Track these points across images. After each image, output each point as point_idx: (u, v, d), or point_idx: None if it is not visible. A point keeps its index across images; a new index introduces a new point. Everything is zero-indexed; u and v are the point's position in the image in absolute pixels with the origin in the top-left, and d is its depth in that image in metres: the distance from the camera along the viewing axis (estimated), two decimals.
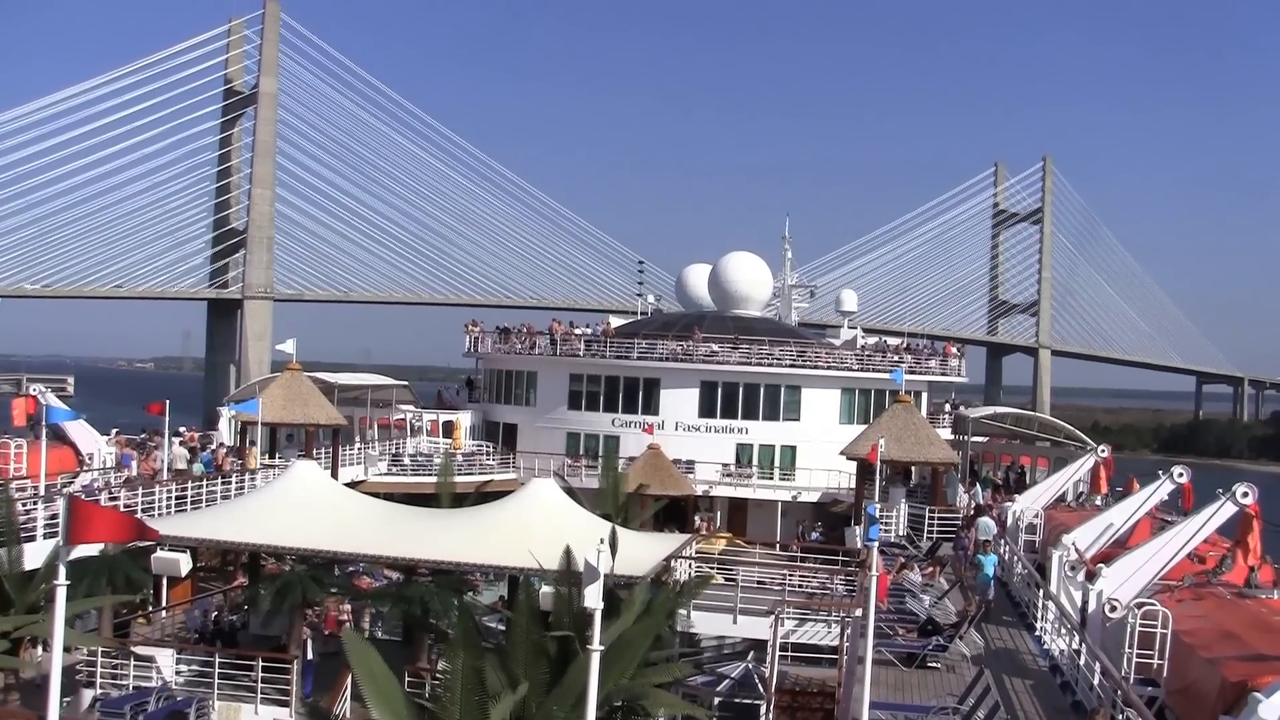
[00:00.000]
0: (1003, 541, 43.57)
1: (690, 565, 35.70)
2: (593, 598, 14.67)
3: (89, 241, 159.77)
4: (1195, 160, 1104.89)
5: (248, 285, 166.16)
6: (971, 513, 49.99)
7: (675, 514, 52.82)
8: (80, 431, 49.20)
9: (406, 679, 27.05)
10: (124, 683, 30.09)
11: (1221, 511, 30.73)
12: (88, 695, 29.78)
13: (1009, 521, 46.65)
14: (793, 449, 67.44)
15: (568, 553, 24.16)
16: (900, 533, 51.62)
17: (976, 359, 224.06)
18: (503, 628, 27.95)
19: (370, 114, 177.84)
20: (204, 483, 44.22)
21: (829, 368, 69.14)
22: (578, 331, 72.45)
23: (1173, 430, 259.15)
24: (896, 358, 70.69)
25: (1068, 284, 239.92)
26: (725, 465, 66.61)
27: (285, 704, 29.62)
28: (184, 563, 33.45)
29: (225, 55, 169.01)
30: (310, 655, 32.35)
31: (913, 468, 59.08)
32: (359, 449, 62.93)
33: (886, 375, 65.02)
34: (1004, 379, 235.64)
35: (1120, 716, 21.89)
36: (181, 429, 56.56)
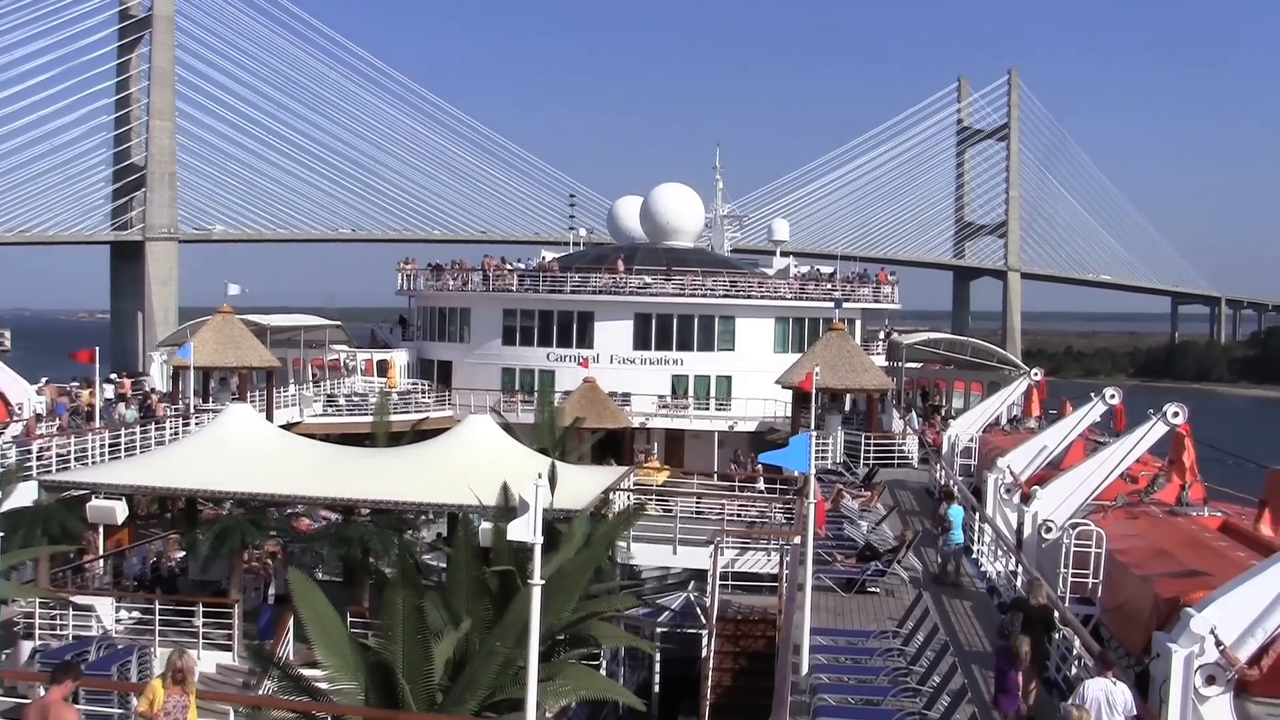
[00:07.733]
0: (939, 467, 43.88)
1: (629, 497, 35.82)
2: (531, 532, 14.62)
3: None
4: (1167, 79, 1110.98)
5: (149, 226, 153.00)
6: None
7: (612, 447, 52.85)
8: (9, 381, 48.63)
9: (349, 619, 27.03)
10: (64, 633, 29.90)
11: (1153, 432, 31.10)
12: (27, 647, 29.54)
13: (944, 446, 47.09)
14: (728, 379, 67.61)
15: (505, 488, 24.14)
16: (837, 460, 51.97)
17: (943, 283, 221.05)
18: (443, 565, 27.94)
19: (283, 38, 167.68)
20: (137, 429, 43.90)
21: (762, 297, 69.28)
22: (509, 267, 72.15)
23: (1149, 354, 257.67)
24: (830, 285, 70.97)
25: (1037, 204, 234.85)
26: (661, 397, 66.70)
27: (228, 648, 29.60)
28: (120, 510, 33.15)
29: None
30: (268, 600, 32.34)
31: (848, 395, 59.48)
32: (294, 391, 62.51)
33: (820, 304, 65.38)
34: (973, 304, 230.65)
35: (1057, 635, 22.19)
36: (113, 375, 56.10)
